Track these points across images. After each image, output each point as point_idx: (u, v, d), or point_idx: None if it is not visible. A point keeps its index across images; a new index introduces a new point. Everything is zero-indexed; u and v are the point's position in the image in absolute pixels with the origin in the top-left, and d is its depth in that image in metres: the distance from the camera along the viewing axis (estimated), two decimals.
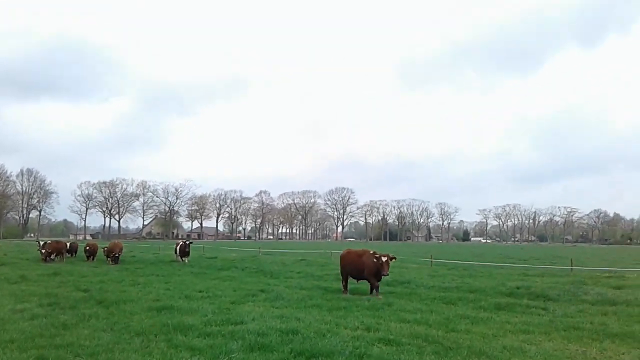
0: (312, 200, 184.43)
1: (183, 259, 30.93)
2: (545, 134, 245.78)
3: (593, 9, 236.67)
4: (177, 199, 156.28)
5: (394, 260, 15.47)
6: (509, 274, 24.96)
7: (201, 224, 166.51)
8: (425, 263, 32.68)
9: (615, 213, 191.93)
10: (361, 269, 15.65)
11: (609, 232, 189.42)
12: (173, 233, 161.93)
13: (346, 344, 8.29)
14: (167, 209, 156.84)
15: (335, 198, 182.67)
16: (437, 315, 11.70)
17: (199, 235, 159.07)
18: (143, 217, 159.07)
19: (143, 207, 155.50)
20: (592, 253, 66.54)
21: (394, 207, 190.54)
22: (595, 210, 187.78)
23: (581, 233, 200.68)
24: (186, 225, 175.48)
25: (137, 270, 24.31)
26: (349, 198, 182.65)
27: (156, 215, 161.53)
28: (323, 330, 9.49)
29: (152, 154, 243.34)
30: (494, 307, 13.30)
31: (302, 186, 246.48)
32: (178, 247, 32.22)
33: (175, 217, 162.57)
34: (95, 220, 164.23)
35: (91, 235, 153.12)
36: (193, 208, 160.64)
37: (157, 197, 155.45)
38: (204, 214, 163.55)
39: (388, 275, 15.34)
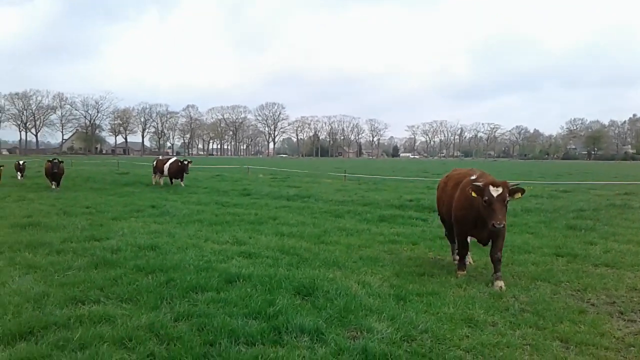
0: (243, 115, 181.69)
1: (174, 180, 24.47)
2: (483, 52, 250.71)
3: None
4: (98, 112, 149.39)
5: (518, 195, 7.21)
6: (414, 187, 25.72)
7: (126, 139, 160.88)
8: (341, 178, 33.07)
9: (535, 129, 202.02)
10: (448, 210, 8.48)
11: (529, 148, 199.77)
12: (97, 148, 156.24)
13: (205, 257, 8.17)
14: (87, 122, 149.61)
15: (266, 113, 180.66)
16: (316, 229, 11.79)
17: (124, 150, 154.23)
18: (62, 131, 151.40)
19: (61, 120, 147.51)
20: (505, 167, 70.15)
21: (325, 123, 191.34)
22: (517, 126, 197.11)
23: (503, 148, 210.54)
24: (110, 140, 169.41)
25: (34, 186, 23.14)
26: (279, 114, 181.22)
27: (77, 130, 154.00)
28: (188, 245, 9.34)
29: (74, 64, 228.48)
30: (377, 219, 13.60)
31: (235, 101, 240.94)
32: (167, 165, 24.26)
33: (97, 132, 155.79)
34: (10, 134, 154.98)
35: (8, 150, 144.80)
36: (116, 122, 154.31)
37: (75, 110, 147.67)
38: (128, 128, 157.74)
39: (501, 226, 6.88)
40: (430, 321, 5.44)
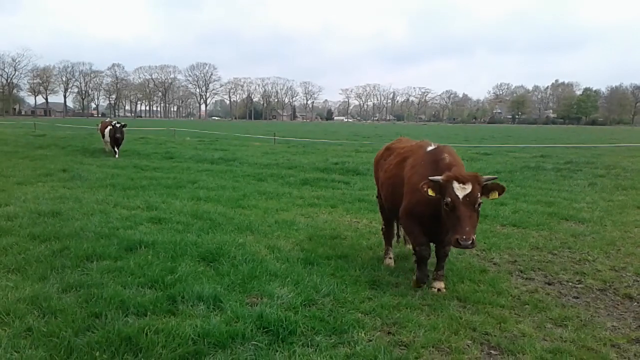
0: (172, 75, 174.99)
1: (115, 149, 20.44)
2: (420, 17, 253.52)
3: None
4: (15, 70, 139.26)
5: (495, 195, 5.09)
6: (342, 150, 25.78)
7: (47, 99, 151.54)
8: (270, 141, 32.57)
9: (464, 94, 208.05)
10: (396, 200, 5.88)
11: (457, 112, 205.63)
12: (15, 109, 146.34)
13: (110, 224, 7.74)
14: (4, 82, 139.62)
15: (197, 74, 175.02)
16: (235, 192, 11.52)
17: (45, 112, 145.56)
18: None
19: None
20: (433, 131, 71.88)
21: (259, 86, 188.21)
22: (446, 90, 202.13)
23: (434, 113, 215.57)
24: (30, 100, 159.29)
25: None
26: (211, 74, 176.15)
27: None
28: (94, 210, 8.82)
29: None
30: (299, 183, 13.49)
31: (164, 61, 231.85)
32: (107, 131, 20.94)
33: (15, 92, 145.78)
34: None
35: None
36: (35, 81, 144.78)
37: None
38: (49, 88, 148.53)
39: (469, 243, 4.56)
40: (334, 285, 5.37)
